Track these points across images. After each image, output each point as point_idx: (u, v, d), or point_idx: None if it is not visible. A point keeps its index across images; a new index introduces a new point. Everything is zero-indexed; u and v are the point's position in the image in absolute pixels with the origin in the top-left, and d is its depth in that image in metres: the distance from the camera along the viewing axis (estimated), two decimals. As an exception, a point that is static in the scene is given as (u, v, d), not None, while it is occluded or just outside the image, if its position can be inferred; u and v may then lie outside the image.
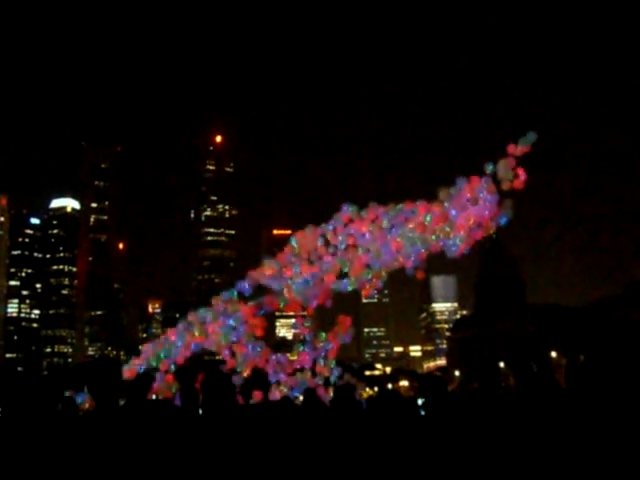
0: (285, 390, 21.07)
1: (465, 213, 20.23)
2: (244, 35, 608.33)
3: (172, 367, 21.90)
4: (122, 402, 6.23)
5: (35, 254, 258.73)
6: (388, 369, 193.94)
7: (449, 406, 6.52)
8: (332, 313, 24.80)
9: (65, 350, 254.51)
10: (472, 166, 21.30)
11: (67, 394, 13.26)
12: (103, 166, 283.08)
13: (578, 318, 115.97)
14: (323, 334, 22.51)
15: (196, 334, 22.10)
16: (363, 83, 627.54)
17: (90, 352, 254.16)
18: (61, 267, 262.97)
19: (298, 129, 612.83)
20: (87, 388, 5.35)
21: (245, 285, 22.36)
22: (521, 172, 19.60)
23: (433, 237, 20.35)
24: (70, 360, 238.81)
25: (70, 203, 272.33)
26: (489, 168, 19.85)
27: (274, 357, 22.49)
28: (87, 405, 17.62)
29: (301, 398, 19.62)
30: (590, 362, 5.04)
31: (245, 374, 21.84)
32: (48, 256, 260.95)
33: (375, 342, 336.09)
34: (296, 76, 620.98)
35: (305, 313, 23.67)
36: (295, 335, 23.99)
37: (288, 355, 23.19)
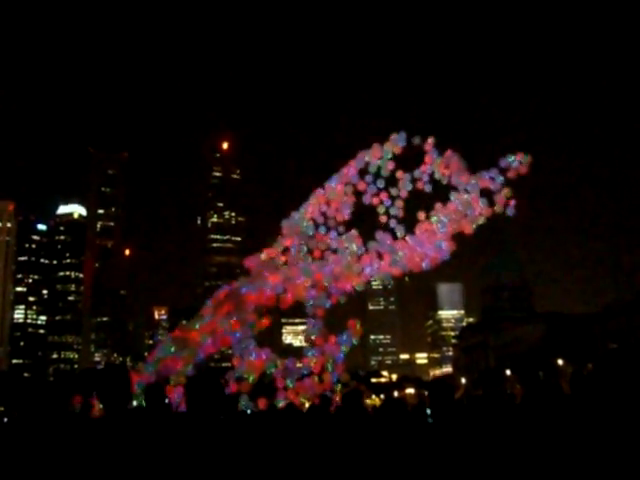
0: (291, 397, 21.08)
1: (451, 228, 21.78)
2: (251, 42, 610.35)
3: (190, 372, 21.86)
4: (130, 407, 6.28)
5: (42, 260, 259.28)
6: (394, 376, 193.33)
7: (456, 413, 6.54)
8: (340, 318, 25.08)
9: (71, 356, 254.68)
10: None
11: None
12: (110, 172, 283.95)
13: (585, 326, 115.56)
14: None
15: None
16: (368, 93, 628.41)
17: (96, 358, 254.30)
18: (68, 273, 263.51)
19: (304, 136, 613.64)
20: (97, 394, 5.40)
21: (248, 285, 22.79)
22: (512, 200, 21.93)
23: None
24: (76, 366, 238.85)
25: (77, 209, 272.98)
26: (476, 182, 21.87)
27: (280, 363, 22.54)
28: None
29: (307, 405, 19.63)
30: (598, 371, 5.05)
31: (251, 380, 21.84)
32: (55, 262, 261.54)
33: (381, 349, 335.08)
34: (303, 82, 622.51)
35: (313, 320, 23.71)
36: (305, 339, 23.61)
37: (296, 361, 23.19)
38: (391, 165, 23.01)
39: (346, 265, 22.24)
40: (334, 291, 22.56)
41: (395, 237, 22.65)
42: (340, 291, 22.60)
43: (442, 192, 22.78)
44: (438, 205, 22.64)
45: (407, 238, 22.48)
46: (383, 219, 22.96)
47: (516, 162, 22.14)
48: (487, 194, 22.28)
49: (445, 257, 22.38)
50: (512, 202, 22.10)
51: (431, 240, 22.06)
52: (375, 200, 23.06)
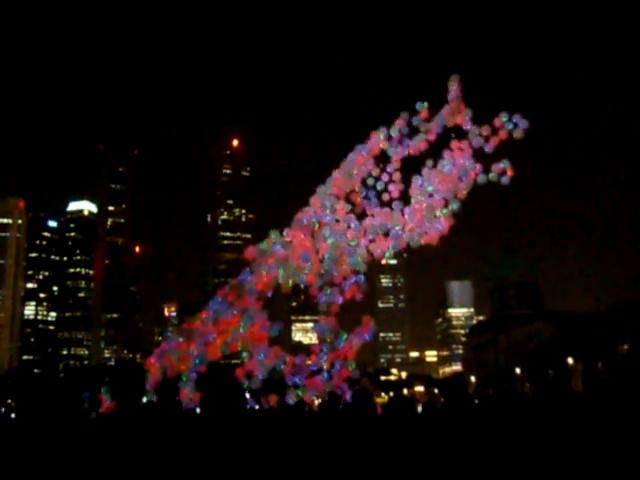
0: (301, 394, 21.08)
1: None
2: (261, 39, 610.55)
3: (194, 375, 21.73)
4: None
5: (52, 257, 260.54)
6: (404, 374, 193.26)
7: (467, 409, 6.54)
8: (350, 316, 25.03)
9: (81, 353, 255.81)
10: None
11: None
12: (120, 169, 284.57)
13: (595, 324, 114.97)
14: (345, 335, 22.49)
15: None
16: (375, 85, 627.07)
17: (106, 355, 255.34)
18: (78, 270, 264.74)
19: (313, 131, 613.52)
20: (110, 389, 5.44)
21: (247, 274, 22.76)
22: (509, 169, 21.60)
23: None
24: (86, 363, 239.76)
25: (87, 206, 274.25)
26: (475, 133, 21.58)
27: (291, 360, 22.52)
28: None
29: (316, 402, 19.66)
30: (608, 370, 5.05)
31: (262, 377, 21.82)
32: (65, 259, 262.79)
33: (391, 347, 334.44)
34: (312, 79, 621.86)
35: (322, 317, 23.57)
36: (317, 336, 23.53)
37: (305, 358, 23.11)
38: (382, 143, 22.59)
39: (341, 239, 21.96)
40: (335, 274, 22.18)
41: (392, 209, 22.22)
42: (345, 278, 22.31)
43: (435, 149, 22.37)
44: (429, 162, 22.09)
45: (405, 216, 22.08)
46: (380, 195, 22.59)
47: (511, 124, 21.55)
48: (482, 158, 21.77)
49: (444, 233, 22.01)
50: (509, 172, 21.51)
51: (429, 217, 21.70)
52: (370, 180, 22.72)
